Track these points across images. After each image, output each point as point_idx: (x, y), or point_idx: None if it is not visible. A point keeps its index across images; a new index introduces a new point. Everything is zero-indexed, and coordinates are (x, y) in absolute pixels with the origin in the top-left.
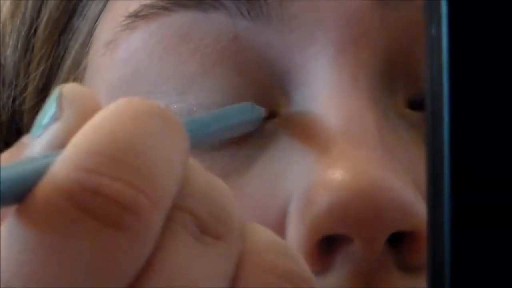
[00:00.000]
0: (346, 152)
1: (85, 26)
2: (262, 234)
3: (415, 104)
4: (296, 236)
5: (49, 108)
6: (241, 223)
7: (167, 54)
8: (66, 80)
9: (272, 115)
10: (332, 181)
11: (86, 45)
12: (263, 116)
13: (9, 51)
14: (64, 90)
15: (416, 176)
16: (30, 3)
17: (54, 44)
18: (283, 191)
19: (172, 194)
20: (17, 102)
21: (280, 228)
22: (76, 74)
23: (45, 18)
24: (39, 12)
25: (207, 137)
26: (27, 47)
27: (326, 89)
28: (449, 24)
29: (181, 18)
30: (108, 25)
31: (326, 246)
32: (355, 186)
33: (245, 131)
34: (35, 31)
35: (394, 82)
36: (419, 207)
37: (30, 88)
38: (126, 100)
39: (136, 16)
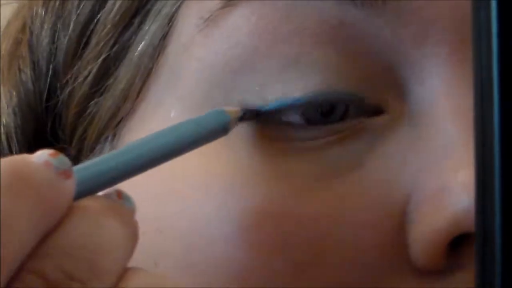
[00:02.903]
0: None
1: (165, 8)
2: (143, 279)
3: None
4: (428, 234)
5: None
6: (118, 274)
7: (268, 32)
8: (135, 65)
9: (380, 110)
10: (468, 180)
11: (163, 27)
12: (229, 121)
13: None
14: None
15: None
16: None
17: (123, 29)
18: (401, 190)
19: (11, 260)
20: (65, 93)
21: (398, 227)
22: (149, 58)
23: (117, 2)
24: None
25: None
26: (86, 34)
27: (441, 89)
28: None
29: None
30: (198, 5)
31: (453, 245)
32: None
33: (211, 139)
34: (99, 17)
35: None
36: None
37: (82, 78)
38: None
39: None
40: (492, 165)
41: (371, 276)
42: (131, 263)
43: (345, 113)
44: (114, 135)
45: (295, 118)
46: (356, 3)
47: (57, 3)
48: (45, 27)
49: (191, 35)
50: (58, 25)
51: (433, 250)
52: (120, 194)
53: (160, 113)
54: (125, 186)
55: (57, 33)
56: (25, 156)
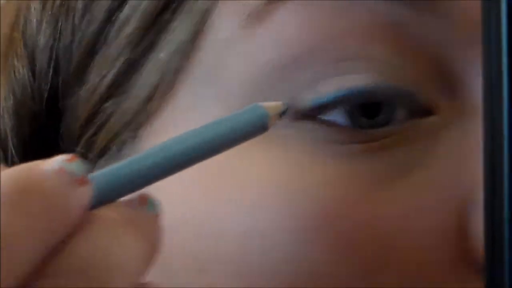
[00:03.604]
0: None
1: (199, 4)
2: None
3: None
4: None
5: None
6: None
7: (320, 28)
8: (163, 65)
9: (431, 110)
10: None
11: (196, 24)
12: (267, 117)
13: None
14: None
15: None
16: None
17: (149, 27)
18: (462, 189)
19: (13, 282)
20: (78, 94)
21: (460, 227)
22: (179, 56)
23: (141, 3)
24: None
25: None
26: (105, 32)
27: None
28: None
29: None
30: (239, 2)
31: None
32: None
33: (249, 136)
34: (120, 14)
35: None
36: None
37: (98, 78)
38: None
39: None
40: (501, 164)
41: (435, 276)
42: (171, 268)
43: (391, 116)
44: (134, 137)
45: (342, 119)
46: (406, 3)
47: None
48: (44, 24)
49: (233, 31)
50: (60, 22)
51: None
52: (143, 200)
53: (194, 113)
54: (151, 189)
55: (59, 30)
56: (34, 164)
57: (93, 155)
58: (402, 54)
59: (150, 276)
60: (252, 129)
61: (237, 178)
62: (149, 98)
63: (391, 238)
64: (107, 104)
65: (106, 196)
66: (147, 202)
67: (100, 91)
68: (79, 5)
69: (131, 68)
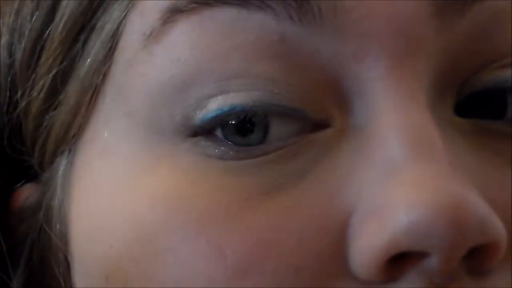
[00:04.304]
0: (418, 169)
1: (108, 25)
2: None
3: (462, 111)
4: (367, 250)
5: None
6: None
7: (209, 48)
8: (82, 81)
9: (324, 124)
10: (410, 199)
11: (107, 43)
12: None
13: (18, 52)
14: None
15: (479, 184)
16: (45, 2)
17: (71, 45)
18: (345, 203)
19: None
20: (21, 106)
21: (339, 239)
22: (95, 74)
23: (63, 18)
24: (54, 10)
25: None
26: (38, 48)
27: (385, 102)
28: None
29: (223, 13)
30: (140, 22)
31: (393, 259)
32: (436, 205)
33: None
34: (49, 31)
35: (444, 91)
36: (495, 219)
37: (36, 92)
38: None
39: (177, 10)
40: None
41: (311, 282)
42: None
43: (264, 134)
44: (69, 150)
45: (231, 136)
46: (294, 20)
47: (12, 15)
48: (2, 39)
49: (135, 51)
50: (15, 37)
51: (373, 264)
52: None
53: (108, 129)
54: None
55: (13, 46)
56: None
57: (46, 164)
58: (290, 71)
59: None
60: None
61: (134, 190)
62: (75, 114)
63: (262, 245)
64: (47, 117)
65: None
66: None
67: (38, 105)
68: (24, 22)
69: (60, 82)
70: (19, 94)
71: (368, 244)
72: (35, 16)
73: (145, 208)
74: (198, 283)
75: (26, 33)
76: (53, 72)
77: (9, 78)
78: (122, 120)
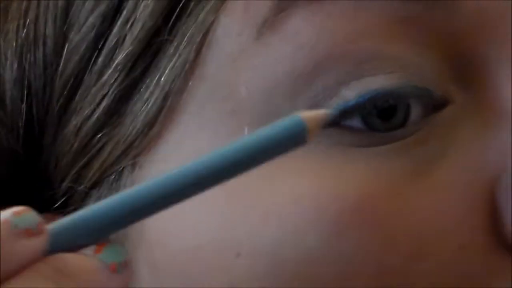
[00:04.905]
0: None
1: (198, 22)
2: None
3: None
4: None
5: None
6: None
7: (336, 32)
8: (164, 87)
9: (443, 103)
10: None
11: (195, 42)
12: (306, 129)
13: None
14: None
15: None
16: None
17: (141, 52)
18: (488, 173)
19: None
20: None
21: (491, 212)
22: (181, 75)
23: (136, 24)
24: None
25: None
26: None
27: (507, 73)
28: None
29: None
30: (245, 13)
31: None
32: None
33: (286, 151)
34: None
35: None
36: None
37: (87, 111)
38: None
39: None
40: None
41: (477, 258)
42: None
43: (406, 116)
44: (134, 166)
45: (357, 123)
46: (419, 1)
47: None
48: (9, 56)
49: (241, 45)
50: (29, 53)
51: None
52: (99, 248)
53: (202, 133)
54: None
55: (28, 62)
56: None
57: (83, 188)
58: (419, 51)
59: None
60: (289, 142)
61: (263, 194)
62: (150, 124)
63: (425, 226)
64: (99, 136)
65: (66, 243)
66: (102, 251)
67: (90, 123)
68: (50, 32)
69: (125, 95)
70: (55, 114)
71: None
72: (89, 21)
73: (290, 208)
74: (369, 272)
75: (69, 44)
76: (118, 85)
77: (25, 99)
78: (221, 124)
